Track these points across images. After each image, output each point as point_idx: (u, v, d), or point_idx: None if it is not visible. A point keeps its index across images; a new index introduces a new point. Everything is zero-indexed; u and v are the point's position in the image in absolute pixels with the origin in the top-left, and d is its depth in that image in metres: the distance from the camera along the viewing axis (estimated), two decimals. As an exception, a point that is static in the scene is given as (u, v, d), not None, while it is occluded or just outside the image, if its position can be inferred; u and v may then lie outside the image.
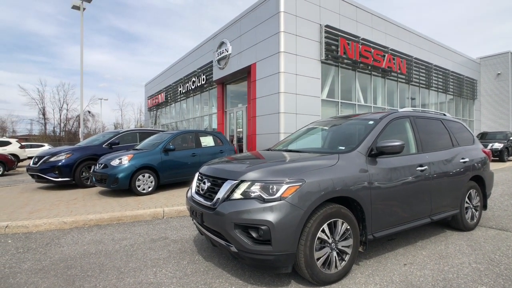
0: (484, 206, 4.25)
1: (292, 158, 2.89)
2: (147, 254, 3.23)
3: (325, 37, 10.23)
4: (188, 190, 3.30)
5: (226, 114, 13.93)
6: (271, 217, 2.25)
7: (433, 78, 14.59)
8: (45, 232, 4.07)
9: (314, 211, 2.41)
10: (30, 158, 14.81)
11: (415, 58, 13.38)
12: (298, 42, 9.84)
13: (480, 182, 4.12)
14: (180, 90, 18.02)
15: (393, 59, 12.26)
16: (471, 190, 3.96)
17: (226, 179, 2.59)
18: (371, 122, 3.28)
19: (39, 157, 7.37)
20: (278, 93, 9.59)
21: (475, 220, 4.03)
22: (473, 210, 4.01)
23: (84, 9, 15.02)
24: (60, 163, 7.02)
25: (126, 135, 8.66)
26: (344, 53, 10.59)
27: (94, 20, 71.31)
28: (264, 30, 10.18)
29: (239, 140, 12.61)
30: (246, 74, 11.83)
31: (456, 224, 3.85)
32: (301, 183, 2.37)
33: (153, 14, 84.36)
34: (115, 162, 6.06)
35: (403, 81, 13.31)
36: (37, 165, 7.19)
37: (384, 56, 11.88)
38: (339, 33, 10.53)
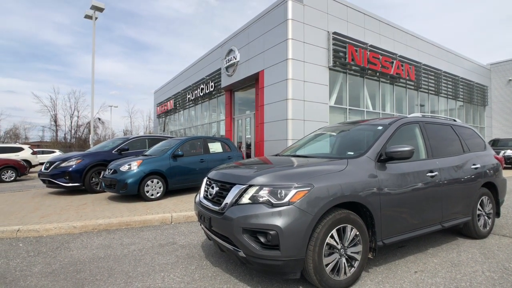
0: (497, 214, 4.14)
1: (301, 163, 2.89)
2: (155, 259, 3.24)
3: (333, 44, 10.27)
4: (196, 195, 3.32)
5: (234, 120, 14.01)
6: (279, 221, 2.25)
7: (443, 84, 14.43)
8: (55, 236, 4.13)
9: (323, 217, 2.40)
10: (41, 164, 15.15)
11: (424, 65, 13.27)
12: (306, 49, 9.90)
13: (493, 188, 4.03)
14: (188, 97, 18.25)
15: (402, 65, 12.20)
16: (483, 197, 3.87)
17: (234, 184, 2.60)
18: (380, 128, 3.26)
19: (50, 163, 7.53)
20: (286, 99, 9.62)
21: (488, 228, 3.92)
22: (486, 218, 3.91)
23: (96, 18, 15.46)
24: (70, 169, 7.15)
25: (135, 141, 8.78)
26: (352, 59, 10.60)
27: (106, 29, 73.32)
28: (272, 38, 10.29)
29: (248, 146, 12.64)
30: (254, 81, 11.93)
31: (468, 231, 3.76)
32: (309, 188, 2.37)
33: (164, 23, 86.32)
34: (124, 168, 6.14)
35: (412, 87, 13.20)
36: (48, 171, 7.34)
37: (393, 62, 11.83)
38: (347, 40, 10.56)
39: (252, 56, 11.41)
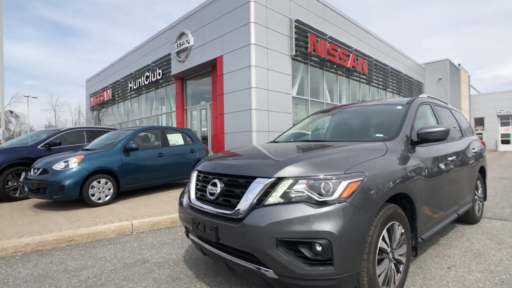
0: (485, 197, 4.16)
1: (330, 148, 2.26)
2: (125, 288, 2.29)
3: (295, 32, 9.91)
4: (182, 196, 2.46)
5: (186, 112, 12.80)
6: (331, 226, 1.61)
7: (389, 80, 15.42)
8: (-45, 268, 2.80)
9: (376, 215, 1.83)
10: None
11: (375, 60, 13.92)
12: (269, 35, 9.33)
13: (483, 172, 4.01)
14: (130, 87, 16.23)
15: (357, 59, 12.54)
16: (478, 181, 3.81)
17: (253, 177, 1.86)
18: (399, 107, 2.84)
19: None
20: (250, 88, 8.94)
21: (480, 212, 3.91)
22: (479, 202, 3.87)
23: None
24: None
25: (70, 134, 7.16)
26: (314, 50, 10.41)
27: (18, 8, 62.11)
28: (232, 21, 9.46)
29: (203, 139, 11.62)
30: (210, 68, 10.95)
31: (467, 217, 3.64)
32: (362, 178, 1.78)
33: (94, 7, 77.03)
34: (59, 166, 4.76)
35: (364, 81, 13.74)
36: None
37: (349, 55, 12.06)
38: (308, 29, 10.32)
39: (209, 41, 10.41)
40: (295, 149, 2.38)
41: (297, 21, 9.95)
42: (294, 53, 9.94)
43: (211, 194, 2.07)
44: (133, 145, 5.45)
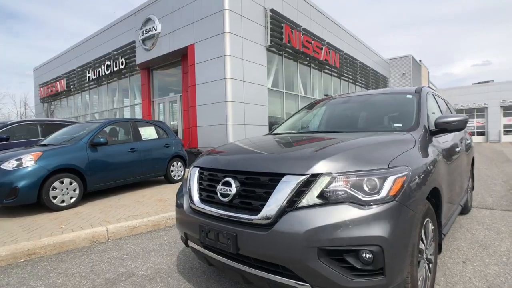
0: (472, 187, 4.27)
1: (355, 139, 2.01)
2: (114, 314, 1.86)
3: (271, 22, 9.62)
4: (180, 197, 2.07)
5: (153, 104, 11.95)
6: (382, 230, 1.37)
7: (358, 74, 15.85)
8: None
9: None
10: None
11: (346, 54, 14.17)
12: (244, 24, 8.93)
13: (472, 163, 4.10)
14: (89, 77, 14.78)
15: (329, 52, 12.62)
16: (470, 172, 3.88)
17: (282, 174, 1.54)
18: (409, 96, 2.70)
19: None
20: (225, 79, 8.50)
21: (471, 202, 4.01)
22: (470, 192, 3.95)
23: None
24: None
25: (20, 128, 6.21)
26: (289, 41, 10.21)
27: None
28: (204, 7, 8.88)
29: (174, 134, 10.93)
30: (180, 57, 10.25)
31: (463, 208, 3.68)
32: (407, 172, 1.56)
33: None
34: (9, 165, 4.00)
35: (336, 75, 13.94)
36: None
37: (322, 48, 12.08)
38: (283, 20, 10.08)
39: (178, 28, 9.71)
40: (317, 141, 2.10)
41: (272, 10, 9.66)
42: (269, 43, 9.67)
43: (224, 195, 1.72)
44: (101, 139, 4.79)
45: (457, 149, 2.80)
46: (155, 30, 10.38)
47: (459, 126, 2.26)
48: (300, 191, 1.47)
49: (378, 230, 1.36)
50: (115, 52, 13.04)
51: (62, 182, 4.24)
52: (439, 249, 2.16)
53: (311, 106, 3.41)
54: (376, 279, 1.37)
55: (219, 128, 8.74)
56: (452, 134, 2.87)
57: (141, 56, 11.21)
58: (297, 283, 1.44)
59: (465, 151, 3.37)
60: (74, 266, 2.59)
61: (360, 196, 1.42)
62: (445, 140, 2.55)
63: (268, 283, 1.55)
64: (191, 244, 1.99)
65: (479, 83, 31.85)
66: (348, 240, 1.35)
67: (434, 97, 3.10)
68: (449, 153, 2.46)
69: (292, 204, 1.46)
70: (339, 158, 1.56)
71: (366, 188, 1.44)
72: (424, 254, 1.79)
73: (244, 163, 1.75)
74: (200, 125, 9.38)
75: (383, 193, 1.43)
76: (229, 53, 8.48)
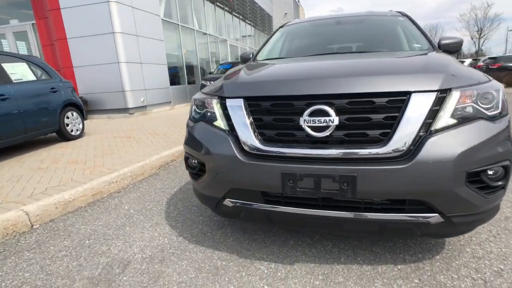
0: None
1: (421, 55, 1.82)
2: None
3: None
4: (209, 143, 1.48)
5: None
6: (509, 144, 1.34)
7: (248, 10, 15.39)
8: None
9: None
10: None
11: (236, -13, 13.32)
12: None
13: None
14: None
15: (221, -18, 11.51)
16: None
17: (407, 92, 1.26)
18: (401, 18, 2.67)
19: None
20: (108, 1, 6.52)
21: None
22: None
23: None
24: None
25: None
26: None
27: None
28: None
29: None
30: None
31: None
32: (500, 87, 1.57)
33: None
34: None
35: (228, 10, 13.09)
36: None
37: (214, -24, 10.86)
38: None
39: None
40: (392, 58, 1.76)
41: None
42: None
43: (317, 128, 1.29)
44: None
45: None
46: None
47: (458, 48, 2.37)
48: (433, 111, 1.25)
49: (508, 145, 1.33)
50: None
51: None
52: None
53: (285, 32, 2.88)
54: (501, 193, 1.37)
55: (109, 68, 6.97)
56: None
57: None
58: (426, 216, 1.29)
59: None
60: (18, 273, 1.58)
61: (486, 111, 1.33)
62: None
63: (379, 226, 1.35)
64: (231, 202, 1.49)
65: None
66: (492, 158, 1.27)
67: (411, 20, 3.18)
68: None
69: (427, 127, 1.24)
70: (454, 72, 1.40)
71: (485, 101, 1.35)
72: None
73: (348, 83, 1.31)
74: (77, 65, 7.19)
75: (499, 106, 1.38)
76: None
